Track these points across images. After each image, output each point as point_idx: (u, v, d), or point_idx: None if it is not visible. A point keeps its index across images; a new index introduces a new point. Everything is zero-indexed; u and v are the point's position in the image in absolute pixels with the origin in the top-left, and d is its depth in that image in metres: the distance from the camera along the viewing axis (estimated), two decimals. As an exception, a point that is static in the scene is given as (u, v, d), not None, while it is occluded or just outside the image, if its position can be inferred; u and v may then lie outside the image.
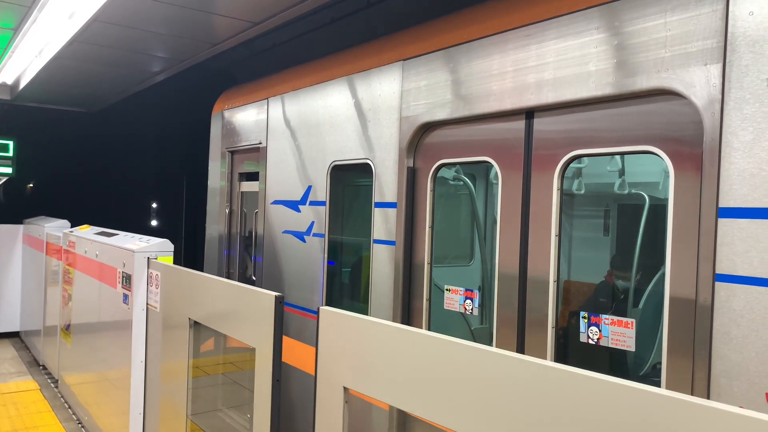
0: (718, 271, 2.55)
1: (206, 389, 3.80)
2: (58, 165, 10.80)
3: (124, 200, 11.42)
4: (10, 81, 9.19)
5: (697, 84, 2.66)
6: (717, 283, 2.55)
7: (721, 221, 2.54)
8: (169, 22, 5.62)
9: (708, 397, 2.56)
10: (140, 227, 10.70)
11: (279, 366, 2.54)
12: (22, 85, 8.73)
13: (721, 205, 2.55)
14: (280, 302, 2.58)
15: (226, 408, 4.77)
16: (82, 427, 5.74)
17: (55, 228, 7.60)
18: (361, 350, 2.24)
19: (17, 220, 9.49)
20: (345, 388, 2.30)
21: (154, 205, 12.22)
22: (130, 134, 11.26)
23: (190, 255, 11.20)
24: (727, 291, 2.51)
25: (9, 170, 9.23)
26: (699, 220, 2.67)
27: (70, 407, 6.25)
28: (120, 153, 11.26)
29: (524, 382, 1.67)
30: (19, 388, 6.96)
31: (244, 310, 3.00)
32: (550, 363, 1.64)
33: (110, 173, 11.21)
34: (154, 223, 12.18)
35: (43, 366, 7.81)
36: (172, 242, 4.67)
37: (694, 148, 2.74)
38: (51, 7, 5.44)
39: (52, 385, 7.08)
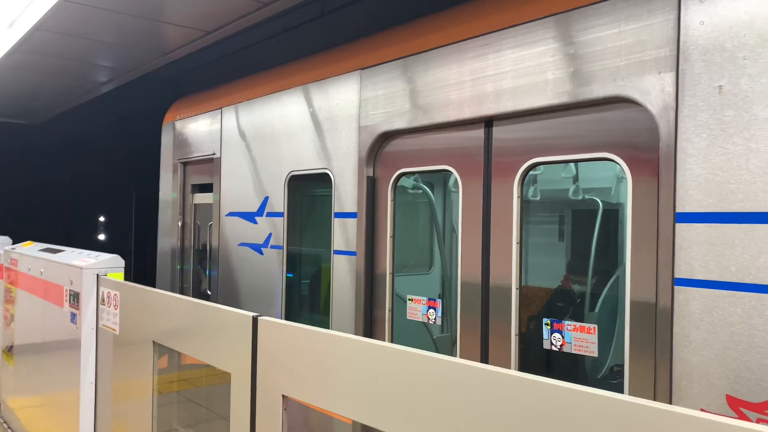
0: (676, 276, 2.60)
1: (160, 408, 3.63)
2: (-2, 179, 10.31)
3: (69, 215, 10.98)
4: (-56, 91, 8.73)
5: (652, 92, 2.72)
6: (676, 287, 2.60)
7: (679, 226, 2.60)
8: (117, 31, 5.43)
9: (670, 400, 2.60)
10: (87, 242, 10.30)
11: (255, 392, 2.41)
12: (-43, 95, 8.31)
13: (678, 210, 2.60)
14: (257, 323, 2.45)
15: (182, 427, 4.60)
16: (27, 454, 5.43)
17: (-5, 245, 7.21)
18: (298, 358, 2.22)
19: (-47, 237, 8.98)
20: (284, 396, 2.25)
21: (102, 219, 11.79)
22: (75, 146, 10.86)
23: (140, 270, 10.84)
24: (686, 295, 2.57)
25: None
26: (657, 225, 2.72)
27: (13, 434, 5.91)
28: (65, 166, 10.83)
29: (458, 383, 1.65)
30: (-44, 416, 6.54)
31: (216, 333, 2.79)
32: (481, 365, 1.61)
33: (55, 187, 10.76)
34: (101, 237, 11.75)
35: (-16, 391, 7.38)
36: (122, 257, 4.49)
37: (651, 154, 2.79)
38: (-11, 14, 5.19)
39: (-6, 411, 6.69)
